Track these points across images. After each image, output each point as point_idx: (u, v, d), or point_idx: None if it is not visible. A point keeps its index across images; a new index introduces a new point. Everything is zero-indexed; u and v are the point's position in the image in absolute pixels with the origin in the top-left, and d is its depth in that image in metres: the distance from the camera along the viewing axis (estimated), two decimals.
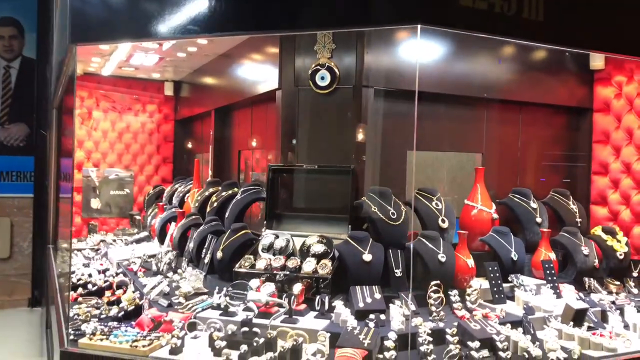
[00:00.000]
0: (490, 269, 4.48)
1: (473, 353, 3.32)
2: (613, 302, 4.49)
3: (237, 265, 4.30)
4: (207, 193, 6.02)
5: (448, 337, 3.55)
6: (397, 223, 4.44)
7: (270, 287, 3.84)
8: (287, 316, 3.69)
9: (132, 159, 8.37)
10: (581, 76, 5.73)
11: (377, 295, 3.97)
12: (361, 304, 3.87)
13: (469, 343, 3.41)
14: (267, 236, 4.50)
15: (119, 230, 7.93)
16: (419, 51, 3.00)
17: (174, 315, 3.87)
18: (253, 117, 5.94)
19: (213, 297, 4.03)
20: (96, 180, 8.12)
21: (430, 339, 3.49)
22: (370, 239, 4.26)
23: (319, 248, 4.26)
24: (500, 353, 3.37)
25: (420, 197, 4.75)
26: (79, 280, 5.11)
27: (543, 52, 5.52)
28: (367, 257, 4.13)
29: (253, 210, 5.51)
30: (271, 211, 4.79)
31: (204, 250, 4.98)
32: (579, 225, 5.29)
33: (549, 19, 3.12)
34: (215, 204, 5.51)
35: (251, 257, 4.33)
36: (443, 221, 4.64)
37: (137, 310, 4.16)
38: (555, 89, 5.67)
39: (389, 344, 3.38)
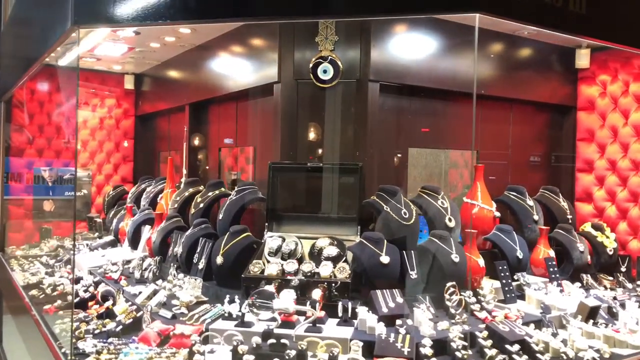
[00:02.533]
0: (500, 268, 4.41)
1: (516, 357, 3.20)
2: (614, 298, 4.53)
3: (246, 271, 3.99)
4: (186, 193, 5.64)
5: (480, 340, 3.42)
6: (410, 223, 4.28)
7: (291, 294, 3.57)
8: (310, 325, 3.45)
9: (89, 157, 7.77)
10: (565, 75, 5.80)
11: (399, 299, 3.79)
12: (385, 309, 3.67)
13: (508, 347, 3.29)
14: (273, 239, 4.22)
15: (77, 235, 7.33)
16: (476, 42, 2.81)
17: (183, 327, 3.53)
18: (238, 113, 5.61)
19: (224, 306, 3.72)
20: (49, 180, 7.47)
21: (465, 343, 3.35)
22: (385, 240, 4.07)
23: (332, 251, 4.04)
24: (539, 356, 3.28)
25: (425, 196, 4.62)
26: (53, 291, 4.63)
27: (530, 50, 5.53)
28: (384, 259, 3.94)
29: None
30: (272, 212, 4.51)
31: (196, 255, 4.63)
32: (570, 222, 5.34)
33: (591, 12, 3.05)
34: (201, 205, 5.14)
35: (260, 261, 4.04)
36: (450, 220, 4.53)
37: (136, 324, 3.78)
38: (541, 87, 5.70)
39: (426, 351, 3.22)
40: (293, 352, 3.11)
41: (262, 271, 3.97)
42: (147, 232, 5.88)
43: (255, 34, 4.96)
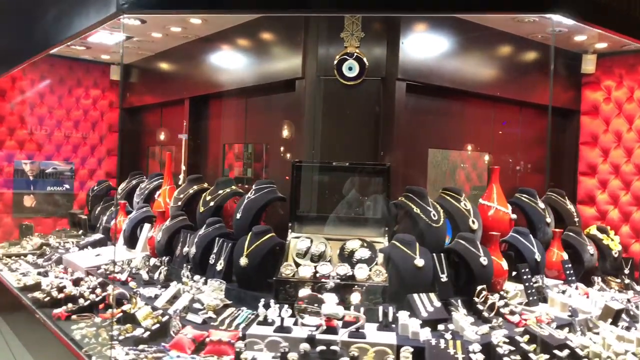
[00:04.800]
0: (523, 270, 4.41)
1: None
2: (628, 300, 4.61)
3: (277, 273, 3.84)
4: (190, 191, 5.41)
5: (524, 345, 3.39)
6: (439, 225, 4.22)
7: (333, 297, 3.44)
8: (353, 330, 3.34)
9: (72, 151, 7.37)
10: (570, 79, 5.87)
11: (437, 303, 3.72)
12: (425, 313, 3.60)
13: (557, 352, 3.27)
14: (301, 240, 4.08)
15: (60, 232, 6.96)
16: (553, 45, 2.76)
17: (220, 333, 3.35)
18: (248, 108, 5.40)
19: (259, 310, 3.56)
20: (30, 174, 7.05)
21: (512, 348, 3.31)
22: (417, 243, 4.00)
23: (365, 253, 3.93)
24: None
25: (448, 197, 4.57)
26: (60, 293, 4.34)
27: (537, 53, 5.56)
28: (419, 262, 3.86)
29: None
30: (294, 212, 4.36)
31: (213, 256, 4.43)
32: (577, 224, 5.41)
33: None
34: (212, 204, 4.93)
35: (291, 264, 3.89)
36: (473, 222, 4.49)
37: (162, 329, 3.57)
38: (546, 90, 5.74)
39: (478, 357, 3.16)
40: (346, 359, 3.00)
41: (294, 274, 3.82)
42: (146, 230, 5.61)
43: (276, 27, 4.77)
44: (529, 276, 4.42)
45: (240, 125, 5.47)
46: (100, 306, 4.22)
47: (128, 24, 5.36)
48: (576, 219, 5.44)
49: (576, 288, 4.61)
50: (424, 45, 4.54)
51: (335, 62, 4.44)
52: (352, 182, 4.42)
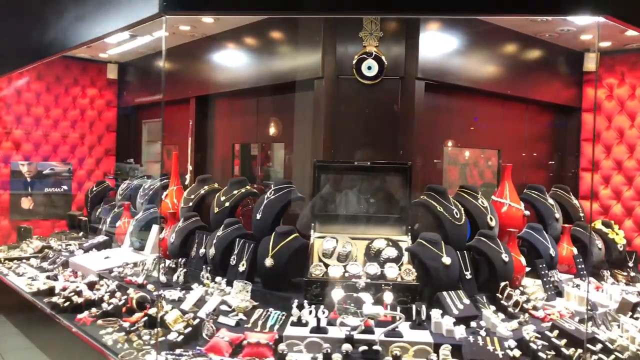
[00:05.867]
0: (540, 266, 4.49)
1: (602, 357, 3.26)
2: (639, 293, 4.73)
3: (307, 273, 3.84)
4: (202, 191, 5.36)
5: (555, 340, 3.46)
6: (461, 223, 4.27)
7: (369, 298, 3.46)
8: (389, 329, 3.36)
9: (69, 151, 7.23)
10: (572, 77, 5.98)
11: (466, 301, 3.77)
12: (456, 311, 3.64)
13: (590, 346, 3.35)
14: (327, 240, 4.08)
15: (59, 234, 6.82)
16: (597, 47, 2.80)
17: (258, 335, 3.34)
18: (259, 108, 5.37)
19: (293, 311, 3.55)
20: (27, 175, 6.90)
21: (545, 343, 3.38)
22: (442, 241, 4.04)
23: (392, 252, 3.96)
24: (618, 354, 3.36)
25: (465, 195, 4.62)
26: (80, 297, 4.27)
27: (542, 51, 5.64)
28: (446, 260, 3.90)
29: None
30: (317, 212, 4.35)
31: (234, 257, 4.40)
32: (582, 219, 5.53)
33: None
34: (227, 204, 4.90)
35: (321, 264, 3.89)
36: (491, 219, 4.55)
37: (194, 332, 3.54)
38: (549, 87, 5.85)
39: (515, 353, 3.22)
40: (389, 359, 3.02)
41: (324, 274, 3.83)
42: (155, 232, 5.55)
43: (291, 27, 4.75)
44: (546, 271, 4.51)
45: (249, 124, 5.43)
46: (122, 310, 4.16)
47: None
48: (581, 214, 5.56)
49: (588, 282, 4.72)
50: (442, 44, 4.58)
51: (354, 61, 4.45)
52: (327, 178, 4.42)
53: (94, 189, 7.11)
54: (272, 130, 5.47)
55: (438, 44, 4.56)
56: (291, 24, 4.76)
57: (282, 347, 3.13)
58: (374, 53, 4.44)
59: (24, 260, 5.96)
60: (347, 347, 3.09)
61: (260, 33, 5.06)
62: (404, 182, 4.30)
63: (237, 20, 5.07)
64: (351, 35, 4.46)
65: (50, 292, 4.65)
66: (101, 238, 6.19)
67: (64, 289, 4.57)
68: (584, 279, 4.76)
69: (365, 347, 3.09)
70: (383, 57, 4.44)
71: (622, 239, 5.48)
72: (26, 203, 6.83)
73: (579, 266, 4.83)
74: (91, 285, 4.70)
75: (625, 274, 5.27)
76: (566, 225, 5.12)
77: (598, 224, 5.59)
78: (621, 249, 5.42)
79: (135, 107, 7.38)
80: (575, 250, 5.04)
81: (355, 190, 4.37)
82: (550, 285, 4.47)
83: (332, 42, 4.48)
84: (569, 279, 4.72)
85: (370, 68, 4.44)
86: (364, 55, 4.44)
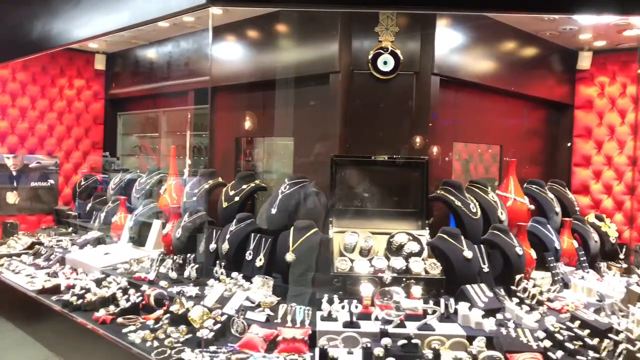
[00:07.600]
0: (549, 259, 4.61)
1: (629, 346, 3.37)
2: (637, 284, 4.92)
3: (333, 268, 3.83)
4: (206, 186, 5.28)
5: (577, 330, 3.56)
6: (477, 217, 4.34)
7: (401, 291, 3.48)
8: (422, 323, 3.40)
9: (56, 144, 6.99)
10: (565, 74, 6.14)
11: (489, 293, 3.84)
12: (481, 304, 3.71)
13: (613, 336, 3.45)
14: (349, 235, 4.08)
15: (47, 229, 6.60)
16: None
17: (292, 331, 3.32)
18: (265, 102, 5.30)
19: (323, 306, 3.54)
20: (13, 169, 6.63)
21: (572, 333, 3.48)
22: (462, 235, 4.10)
23: (414, 246, 3.99)
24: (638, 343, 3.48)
25: (477, 190, 4.70)
26: (94, 295, 4.14)
27: (538, 49, 5.77)
28: (468, 253, 3.97)
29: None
30: (334, 206, 4.35)
31: (249, 252, 4.36)
32: (577, 213, 5.70)
33: None
34: (236, 199, 4.84)
35: (346, 259, 3.89)
36: (502, 213, 4.65)
37: (223, 329, 3.50)
38: (542, 84, 5.98)
39: (545, 343, 3.30)
40: (430, 353, 3.06)
41: (350, 268, 3.83)
42: (157, 227, 5.44)
43: (304, 19, 4.70)
44: (554, 264, 4.63)
45: (259, 118, 5.35)
46: (139, 307, 4.06)
47: None
48: (577, 208, 5.74)
49: (592, 274, 4.88)
50: (455, 41, 4.63)
51: (370, 56, 4.46)
52: (345, 172, 4.44)
53: (82, 183, 6.91)
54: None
55: (452, 40, 4.61)
56: (306, 19, 4.72)
57: (322, 341, 3.13)
58: (390, 48, 4.45)
59: (14, 257, 5.73)
60: (386, 341, 3.10)
61: (274, 26, 5.00)
62: (421, 176, 4.34)
63: (245, 12, 4.98)
64: (367, 30, 4.46)
65: (56, 290, 4.50)
66: (95, 234, 6.02)
67: (71, 287, 4.43)
68: (586, 270, 4.92)
69: (405, 341, 3.11)
70: (399, 52, 4.46)
71: (614, 232, 5.68)
72: (12, 197, 6.57)
73: (581, 259, 4.99)
74: (99, 282, 4.57)
75: (618, 265, 5.47)
76: (566, 218, 5.27)
77: (591, 218, 5.77)
78: (613, 241, 5.62)
79: (126, 99, 7.19)
80: (576, 244, 5.20)
81: (373, 185, 4.38)
82: (559, 277, 4.60)
83: (348, 37, 4.47)
84: (571, 271, 4.87)
85: (386, 63, 4.46)
86: (380, 50, 4.46)
